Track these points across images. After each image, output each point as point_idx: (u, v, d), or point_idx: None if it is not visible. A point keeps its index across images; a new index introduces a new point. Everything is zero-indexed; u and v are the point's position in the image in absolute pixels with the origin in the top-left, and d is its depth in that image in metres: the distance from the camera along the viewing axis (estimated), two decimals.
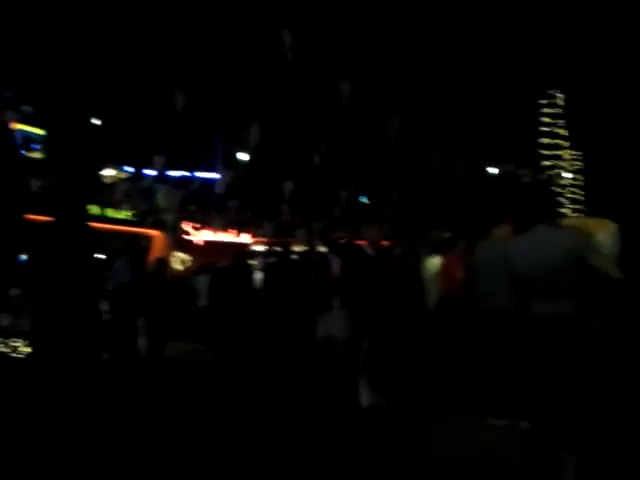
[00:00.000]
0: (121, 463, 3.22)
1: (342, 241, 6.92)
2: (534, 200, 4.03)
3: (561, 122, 17.20)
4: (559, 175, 17.26)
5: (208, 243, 16.29)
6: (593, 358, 3.75)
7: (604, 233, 4.78)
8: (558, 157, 17.04)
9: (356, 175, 17.22)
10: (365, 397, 4.87)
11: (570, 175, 18.75)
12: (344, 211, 16.50)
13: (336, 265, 5.63)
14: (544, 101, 17.47)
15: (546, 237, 3.83)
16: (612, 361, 5.25)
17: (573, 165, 19.38)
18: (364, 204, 19.14)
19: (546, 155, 17.17)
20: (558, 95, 17.38)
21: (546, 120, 17.07)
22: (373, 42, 15.19)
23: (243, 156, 18.43)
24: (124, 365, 5.81)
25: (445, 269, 5.73)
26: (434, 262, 6.17)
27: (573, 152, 19.42)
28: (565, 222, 4.78)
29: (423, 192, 16.68)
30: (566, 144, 17.59)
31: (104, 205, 12.96)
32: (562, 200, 16.23)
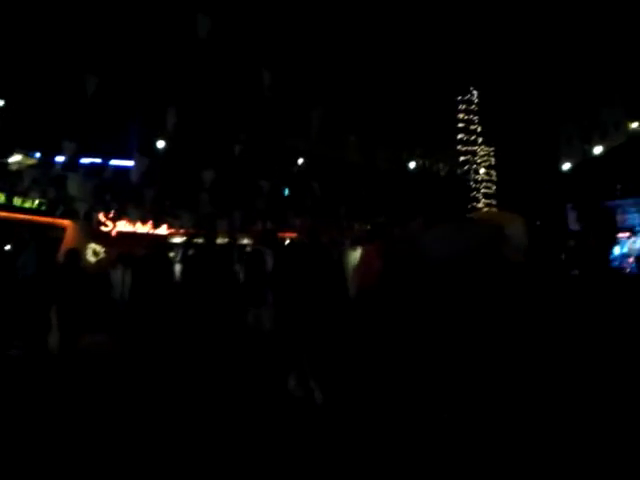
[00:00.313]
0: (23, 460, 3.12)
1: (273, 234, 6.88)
2: (448, 194, 4.22)
3: (476, 118, 17.94)
4: (475, 170, 18.03)
5: (123, 234, 15.78)
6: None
7: (513, 226, 5.08)
8: (473, 153, 17.78)
9: (278, 166, 17.26)
10: (297, 390, 4.89)
11: (484, 170, 19.64)
12: (266, 202, 16.49)
13: (270, 259, 5.60)
14: (460, 97, 18.14)
15: (458, 230, 4.01)
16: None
17: (487, 161, 20.31)
18: (286, 196, 19.23)
19: (462, 151, 17.87)
20: (473, 92, 18.10)
21: (461, 116, 17.75)
22: (295, 32, 15.24)
23: (161, 143, 17.93)
24: (35, 361, 5.57)
25: (363, 261, 5.91)
26: (355, 254, 6.33)
27: (486, 148, 20.34)
28: (477, 215, 5.04)
29: (343, 184, 16.99)
30: (480, 140, 18.39)
31: (10, 193, 12.27)
32: (477, 194, 17.02)
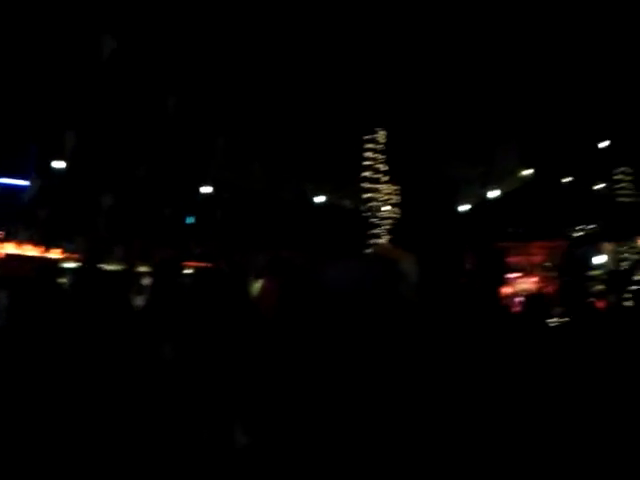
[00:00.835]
0: None
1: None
2: (350, 230, 4.39)
3: (381, 157, 18.74)
4: (379, 208, 18.73)
5: (10, 257, 14.92)
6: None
7: (407, 263, 5.34)
8: (378, 190, 18.52)
9: (182, 192, 17.08)
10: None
11: (388, 207, 20.43)
12: (168, 229, 16.21)
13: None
14: (367, 137, 18.92)
15: (357, 265, 4.18)
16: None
17: (391, 199, 21.16)
18: (189, 223, 18.99)
19: (367, 188, 18.55)
20: (380, 132, 18.94)
21: (368, 155, 18.49)
22: (201, 55, 15.31)
23: (59, 164, 17.21)
24: None
25: (262, 293, 5.97)
26: (257, 285, 6.39)
27: (392, 186, 21.21)
28: (374, 250, 5.26)
29: (248, 214, 17.07)
30: (385, 178, 19.20)
31: None
32: (380, 231, 17.65)
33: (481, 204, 23.74)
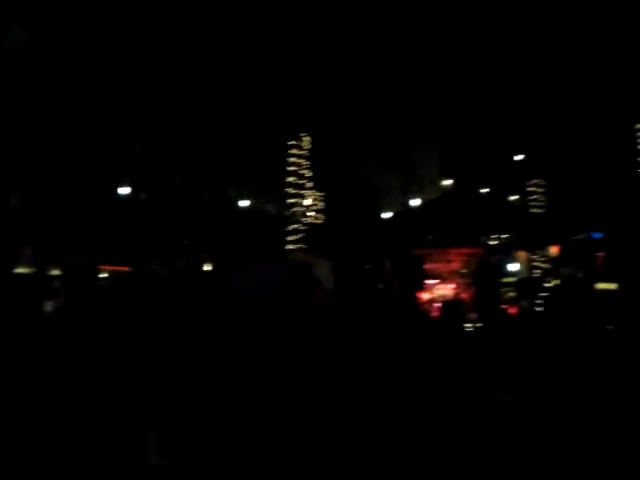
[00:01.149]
0: None
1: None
2: (268, 235, 4.35)
3: (306, 163, 18.81)
4: (302, 213, 18.77)
5: None
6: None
7: (322, 269, 5.35)
8: (302, 196, 18.55)
9: (96, 194, 16.45)
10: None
11: (312, 213, 20.51)
12: (82, 231, 15.56)
13: None
14: (292, 142, 18.93)
15: (270, 270, 4.14)
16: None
17: (315, 205, 21.24)
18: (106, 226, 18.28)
19: (291, 193, 18.55)
20: (305, 138, 19.00)
21: (292, 160, 18.49)
22: (120, 54, 14.84)
23: None
24: None
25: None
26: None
27: (316, 193, 21.32)
28: (290, 257, 5.24)
29: (167, 217, 16.66)
30: (310, 184, 19.27)
31: None
32: (302, 237, 17.67)
33: (402, 212, 24.30)
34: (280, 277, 4.14)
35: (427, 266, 21.67)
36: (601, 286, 21.93)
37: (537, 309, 18.29)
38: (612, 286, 21.77)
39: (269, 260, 4.20)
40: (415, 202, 24.93)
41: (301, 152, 18.81)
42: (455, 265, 23.71)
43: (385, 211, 25.14)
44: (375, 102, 19.15)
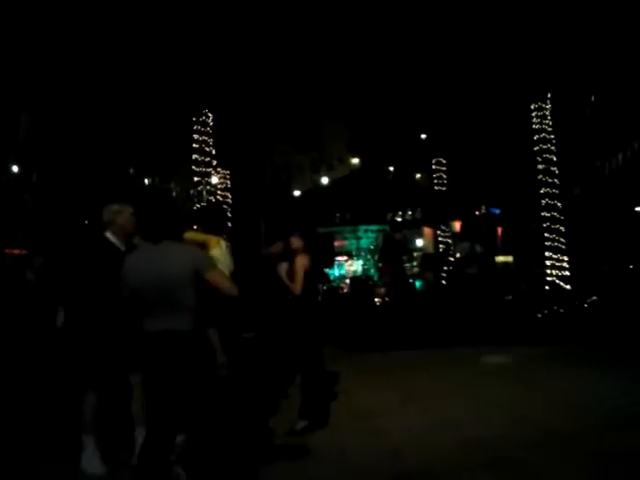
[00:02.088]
0: None
1: None
2: (157, 213, 4.09)
3: (211, 140, 18.29)
4: (209, 192, 18.31)
5: None
6: (205, 373, 3.94)
7: (217, 248, 5.15)
8: (208, 174, 18.06)
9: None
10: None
11: (219, 192, 20.09)
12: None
13: None
14: (195, 118, 18.34)
15: (163, 251, 3.90)
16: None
17: (222, 183, 20.81)
18: None
19: (196, 171, 18.01)
20: (208, 114, 18.46)
21: (196, 137, 17.93)
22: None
23: None
24: None
25: None
26: None
27: (222, 170, 20.86)
28: (187, 236, 4.99)
29: (64, 197, 15.68)
30: (215, 162, 18.79)
31: None
32: (206, 216, 17.21)
33: (312, 190, 24.35)
34: (175, 257, 3.93)
35: (337, 243, 21.93)
36: (500, 259, 23.04)
37: (442, 282, 18.95)
38: (509, 259, 22.93)
39: (162, 240, 3.95)
40: (324, 180, 25.05)
41: (206, 129, 18.25)
42: (364, 242, 24.18)
43: (295, 189, 25.11)
44: (281, 79, 18.89)
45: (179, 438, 3.79)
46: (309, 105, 21.05)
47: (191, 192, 17.46)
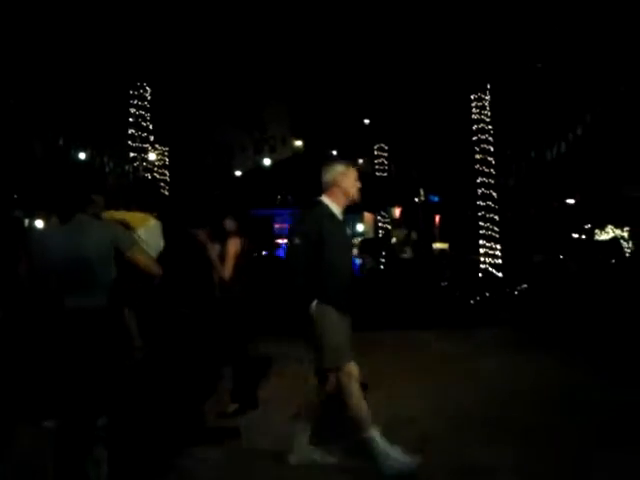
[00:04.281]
0: None
1: None
2: (74, 188, 3.89)
3: (148, 115, 17.72)
4: (146, 168, 17.78)
5: None
6: (120, 350, 3.82)
7: (144, 228, 4.94)
8: (145, 150, 17.51)
9: None
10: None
11: (156, 169, 19.57)
12: None
13: None
14: (132, 91, 17.68)
15: (82, 227, 3.72)
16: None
17: (160, 160, 20.26)
18: None
19: (133, 147, 17.43)
20: (147, 88, 17.85)
21: (133, 111, 17.32)
22: None
23: None
24: None
25: None
26: None
27: (160, 147, 20.30)
28: (107, 214, 4.77)
29: None
30: (152, 138, 18.24)
31: None
32: (139, 193, 16.71)
33: (253, 171, 24.09)
34: (95, 234, 3.76)
35: (277, 225, 21.82)
36: (437, 245, 23.54)
37: (381, 267, 19.20)
38: (446, 246, 23.47)
39: (82, 216, 3.76)
40: (267, 161, 24.82)
41: (143, 103, 17.66)
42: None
43: (237, 170, 24.77)
44: (224, 56, 18.47)
45: (101, 420, 3.66)
46: (252, 85, 20.73)
47: (126, 168, 16.89)
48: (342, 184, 4.47)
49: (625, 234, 23.53)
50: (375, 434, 3.96)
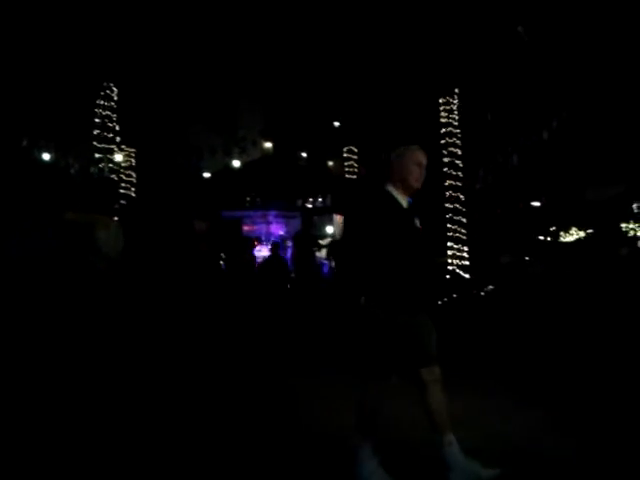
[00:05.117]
0: None
1: None
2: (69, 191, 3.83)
3: (115, 116, 17.48)
4: (112, 170, 17.52)
5: None
6: None
7: (104, 230, 4.90)
8: (110, 151, 17.26)
9: None
10: None
11: (122, 170, 19.31)
12: None
13: None
14: (100, 92, 17.42)
15: (37, 228, 3.68)
16: None
17: (127, 161, 20.01)
18: None
19: (98, 148, 17.16)
20: (114, 88, 17.61)
21: (99, 112, 17.06)
22: None
23: None
24: None
25: None
26: None
27: (127, 148, 20.04)
28: (70, 215, 4.70)
29: None
30: (119, 139, 17.99)
31: None
32: (104, 195, 16.49)
33: (222, 172, 23.96)
34: (50, 235, 3.69)
35: (246, 227, 21.69)
36: None
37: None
38: None
39: (43, 221, 3.71)
40: (236, 163, 24.71)
41: (110, 104, 17.41)
42: (274, 227, 24.06)
43: (206, 171, 24.60)
44: (194, 56, 18.33)
45: None
46: (223, 87, 20.62)
47: (91, 169, 16.61)
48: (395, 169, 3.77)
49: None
50: (453, 439, 3.54)
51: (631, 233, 20.67)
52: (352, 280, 3.55)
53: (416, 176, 3.71)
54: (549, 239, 24.49)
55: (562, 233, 25.12)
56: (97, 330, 4.63)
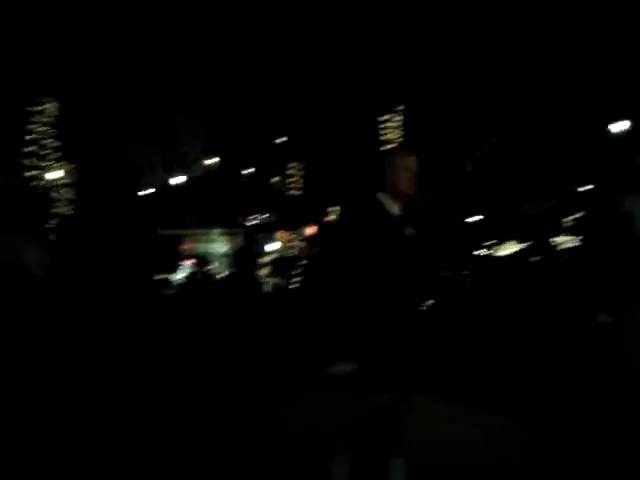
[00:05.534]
0: None
1: None
2: None
3: (52, 131, 17.02)
4: (45, 187, 17.01)
5: None
6: None
7: (31, 251, 4.78)
8: (45, 168, 16.77)
9: None
10: None
11: (58, 188, 18.79)
12: None
13: None
14: (34, 108, 16.94)
15: None
16: None
17: (64, 178, 19.49)
18: None
19: (33, 165, 16.65)
20: (52, 103, 17.16)
21: (35, 128, 16.58)
22: None
23: None
24: None
25: None
26: None
27: (66, 165, 19.54)
28: None
29: None
30: (56, 155, 17.51)
31: None
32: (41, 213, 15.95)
33: (162, 190, 23.61)
34: None
35: (186, 246, 21.39)
36: None
37: (291, 286, 19.23)
38: None
39: None
40: (178, 180, 24.43)
41: (46, 119, 16.94)
42: (215, 245, 23.84)
43: (146, 188, 24.17)
44: (135, 70, 18.12)
45: None
46: (164, 103, 20.43)
47: (25, 187, 16.02)
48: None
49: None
50: None
51: (560, 246, 21.58)
52: (337, 288, 3.50)
53: (405, 182, 3.61)
54: (484, 253, 25.23)
55: (494, 248, 25.93)
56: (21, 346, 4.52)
